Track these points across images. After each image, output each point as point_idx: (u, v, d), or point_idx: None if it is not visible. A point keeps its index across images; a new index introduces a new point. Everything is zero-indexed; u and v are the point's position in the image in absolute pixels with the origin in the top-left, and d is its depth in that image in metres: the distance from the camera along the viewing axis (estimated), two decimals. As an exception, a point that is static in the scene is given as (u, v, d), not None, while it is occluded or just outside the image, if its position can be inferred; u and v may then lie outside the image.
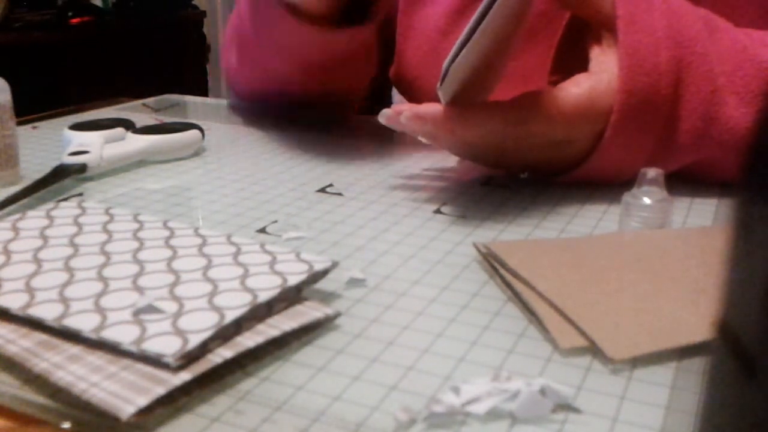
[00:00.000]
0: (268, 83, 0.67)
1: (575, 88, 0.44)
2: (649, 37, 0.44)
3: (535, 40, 0.54)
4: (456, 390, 0.26)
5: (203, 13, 2.95)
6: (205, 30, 2.98)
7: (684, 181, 0.48)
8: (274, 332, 0.29)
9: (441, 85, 0.41)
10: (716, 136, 0.45)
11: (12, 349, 0.27)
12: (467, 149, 0.48)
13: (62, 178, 0.48)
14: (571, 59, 0.48)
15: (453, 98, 0.42)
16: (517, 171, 0.50)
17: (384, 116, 0.44)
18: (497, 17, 0.38)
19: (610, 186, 0.47)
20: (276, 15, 0.55)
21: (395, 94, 0.82)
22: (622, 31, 0.44)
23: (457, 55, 0.39)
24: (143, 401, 0.24)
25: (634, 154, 0.45)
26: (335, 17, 0.55)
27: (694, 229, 0.42)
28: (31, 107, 0.68)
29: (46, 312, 0.28)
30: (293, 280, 0.31)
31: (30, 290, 0.30)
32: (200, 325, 0.27)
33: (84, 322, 0.28)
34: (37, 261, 0.33)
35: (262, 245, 0.35)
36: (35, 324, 0.28)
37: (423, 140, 0.47)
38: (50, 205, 0.40)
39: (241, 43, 0.66)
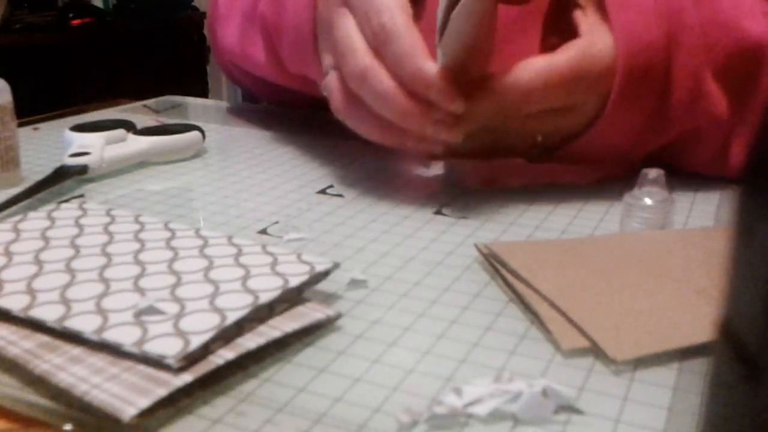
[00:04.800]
0: (291, 84, 0.63)
1: (568, 52, 0.43)
2: (638, 14, 0.44)
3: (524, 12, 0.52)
4: (458, 391, 0.26)
5: (203, 15, 2.95)
6: (205, 31, 2.99)
7: (685, 181, 0.48)
8: (275, 333, 0.28)
9: (440, 41, 0.40)
10: (701, 110, 0.45)
11: (13, 351, 0.27)
12: (468, 125, 0.44)
13: (63, 180, 0.48)
14: (559, 22, 0.48)
15: (452, 59, 0.41)
16: (524, 149, 0.48)
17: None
18: None
19: (611, 186, 0.47)
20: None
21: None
22: (613, 7, 0.44)
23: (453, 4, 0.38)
24: (145, 403, 0.24)
25: (637, 118, 0.45)
26: None
27: (695, 230, 0.42)
28: (32, 109, 0.68)
29: (48, 313, 0.28)
30: (294, 282, 0.31)
31: (31, 292, 0.30)
32: (201, 326, 0.27)
33: (85, 324, 0.28)
34: (39, 262, 0.33)
35: (263, 246, 0.35)
36: (36, 325, 0.28)
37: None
38: (51, 206, 0.40)
39: (267, 37, 0.59)
